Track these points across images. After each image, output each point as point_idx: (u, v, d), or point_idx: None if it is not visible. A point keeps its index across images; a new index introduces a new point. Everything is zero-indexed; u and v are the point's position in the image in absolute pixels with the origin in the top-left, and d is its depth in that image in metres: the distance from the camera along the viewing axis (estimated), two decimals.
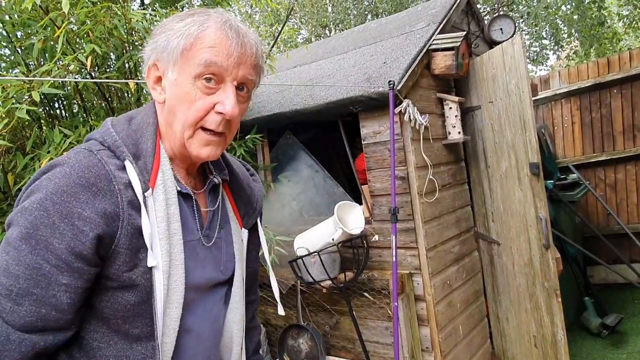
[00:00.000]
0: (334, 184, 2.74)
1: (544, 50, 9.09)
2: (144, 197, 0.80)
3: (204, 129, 0.83)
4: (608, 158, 4.14)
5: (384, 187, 2.47)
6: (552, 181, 3.55)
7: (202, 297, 0.93)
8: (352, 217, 2.41)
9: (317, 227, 2.47)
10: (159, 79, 0.86)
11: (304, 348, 2.71)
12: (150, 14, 2.07)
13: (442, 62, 2.55)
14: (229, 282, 1.00)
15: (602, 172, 4.23)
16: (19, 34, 2.30)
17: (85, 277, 0.76)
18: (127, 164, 0.80)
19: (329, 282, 2.43)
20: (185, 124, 0.82)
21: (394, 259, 2.21)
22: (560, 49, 8.94)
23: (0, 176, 2.33)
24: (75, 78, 1.96)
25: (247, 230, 1.02)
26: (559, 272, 2.15)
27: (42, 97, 2.30)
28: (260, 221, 1.11)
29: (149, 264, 0.79)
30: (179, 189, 0.87)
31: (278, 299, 1.10)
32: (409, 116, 2.34)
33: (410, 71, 2.41)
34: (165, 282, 0.81)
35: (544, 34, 8.58)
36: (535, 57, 9.23)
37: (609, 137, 4.21)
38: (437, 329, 2.40)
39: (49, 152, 2.09)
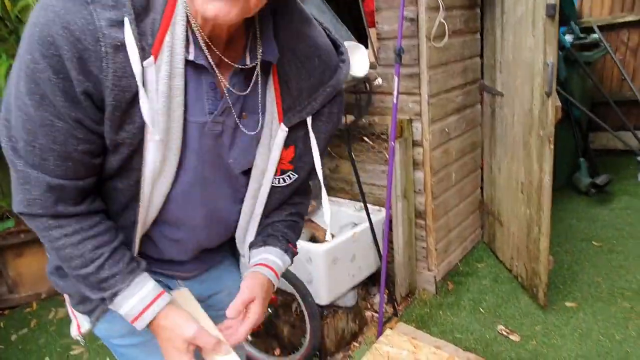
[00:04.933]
0: (340, 27, 2.64)
1: None
2: (143, 67, 0.69)
3: None
4: (636, 19, 3.88)
5: (392, 30, 2.39)
6: (570, 40, 3.39)
7: (196, 183, 0.86)
8: (356, 59, 2.37)
9: None
10: None
11: None
12: None
13: None
14: (246, 174, 0.91)
15: (626, 34, 4.00)
16: None
17: (98, 133, 0.73)
18: (126, 21, 0.66)
19: None
20: None
21: (395, 101, 2.23)
22: None
23: None
24: None
25: (286, 129, 0.86)
26: (557, 120, 2.18)
27: None
28: (327, 122, 0.91)
29: (148, 138, 0.74)
30: (192, 58, 0.74)
31: (328, 222, 0.97)
32: None
33: None
34: (160, 157, 0.76)
35: None
36: None
37: None
38: (430, 173, 2.53)
39: None
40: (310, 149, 0.90)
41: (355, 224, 2.61)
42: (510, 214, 2.68)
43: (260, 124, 0.85)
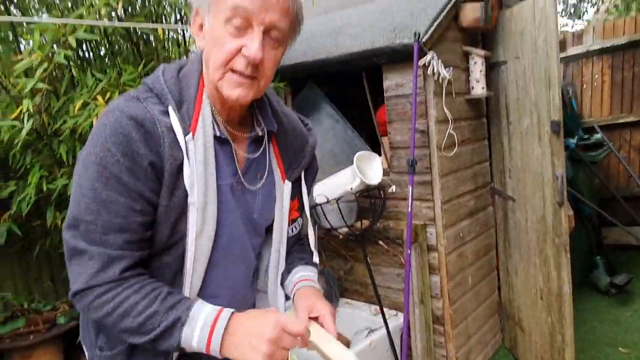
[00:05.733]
0: (354, 135, 2.79)
1: (582, 3, 8.61)
2: (185, 141, 0.87)
3: (233, 71, 0.86)
4: (636, 119, 4.05)
5: (404, 140, 2.51)
6: (574, 141, 3.52)
7: (234, 240, 0.99)
8: (370, 168, 2.48)
9: (336, 176, 2.55)
10: (201, 27, 0.92)
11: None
12: None
13: (470, 14, 2.49)
14: (268, 230, 1.07)
15: (629, 133, 4.15)
16: None
17: (153, 204, 0.87)
18: (170, 110, 0.88)
19: (345, 229, 2.54)
20: (215, 66, 0.87)
21: (409, 209, 2.29)
22: (599, 2, 8.46)
23: (37, 118, 2.44)
24: (105, 22, 2.01)
25: (290, 183, 1.07)
26: (570, 229, 2.20)
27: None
28: (310, 175, 1.15)
29: (190, 201, 0.88)
30: (218, 134, 0.94)
31: (314, 249, 1.18)
32: (433, 69, 2.33)
33: (436, 24, 2.37)
34: (199, 218, 0.89)
35: None
36: (572, 11, 8.77)
37: (638, 98, 4.09)
38: (447, 278, 2.52)
39: (81, 95, 2.18)
40: (305, 195, 1.13)
41: (371, 330, 2.55)
42: (531, 320, 2.62)
43: (272, 183, 1.04)
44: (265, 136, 1.02)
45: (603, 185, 3.80)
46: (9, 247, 2.99)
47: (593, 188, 3.72)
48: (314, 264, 1.16)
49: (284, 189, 1.06)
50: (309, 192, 1.17)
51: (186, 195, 0.88)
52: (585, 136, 3.76)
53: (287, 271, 1.12)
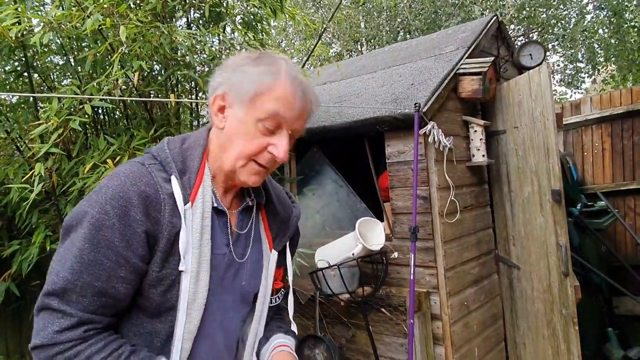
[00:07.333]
0: (357, 200, 2.82)
1: (580, 74, 8.94)
2: (185, 209, 0.91)
3: (257, 163, 0.94)
4: (639, 187, 4.06)
5: (406, 206, 2.53)
6: (577, 209, 3.52)
7: (223, 309, 1.00)
8: (373, 234, 2.48)
9: (339, 241, 2.54)
10: (222, 108, 0.96)
11: (320, 359, 2.76)
12: (193, 34, 2.21)
13: (469, 86, 2.60)
14: (254, 298, 1.07)
15: (632, 200, 4.14)
16: (73, 46, 2.48)
17: (139, 272, 0.88)
18: (173, 178, 0.92)
19: (347, 296, 2.49)
20: (241, 155, 0.93)
21: (411, 277, 2.26)
22: (596, 73, 8.78)
23: (46, 177, 2.50)
24: (122, 91, 2.11)
25: (276, 252, 1.10)
26: (577, 300, 2.15)
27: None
28: (293, 246, 1.18)
29: (180, 268, 0.89)
30: (215, 205, 0.98)
31: (291, 318, 1.18)
32: (433, 138, 2.40)
33: (436, 94, 2.47)
34: (192, 286, 0.91)
35: (579, 56, 8.46)
36: (570, 80, 9.08)
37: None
38: (452, 349, 2.43)
39: (92, 157, 2.25)
40: (289, 265, 1.16)
41: None
42: None
43: (260, 252, 1.07)
44: (255, 206, 1.07)
45: (610, 253, 3.74)
46: (5, 306, 2.95)
47: (601, 256, 3.66)
48: (293, 333, 1.16)
49: (271, 258, 1.09)
50: (291, 263, 1.21)
51: (180, 263, 0.90)
52: (589, 203, 3.75)
53: (266, 339, 1.12)
